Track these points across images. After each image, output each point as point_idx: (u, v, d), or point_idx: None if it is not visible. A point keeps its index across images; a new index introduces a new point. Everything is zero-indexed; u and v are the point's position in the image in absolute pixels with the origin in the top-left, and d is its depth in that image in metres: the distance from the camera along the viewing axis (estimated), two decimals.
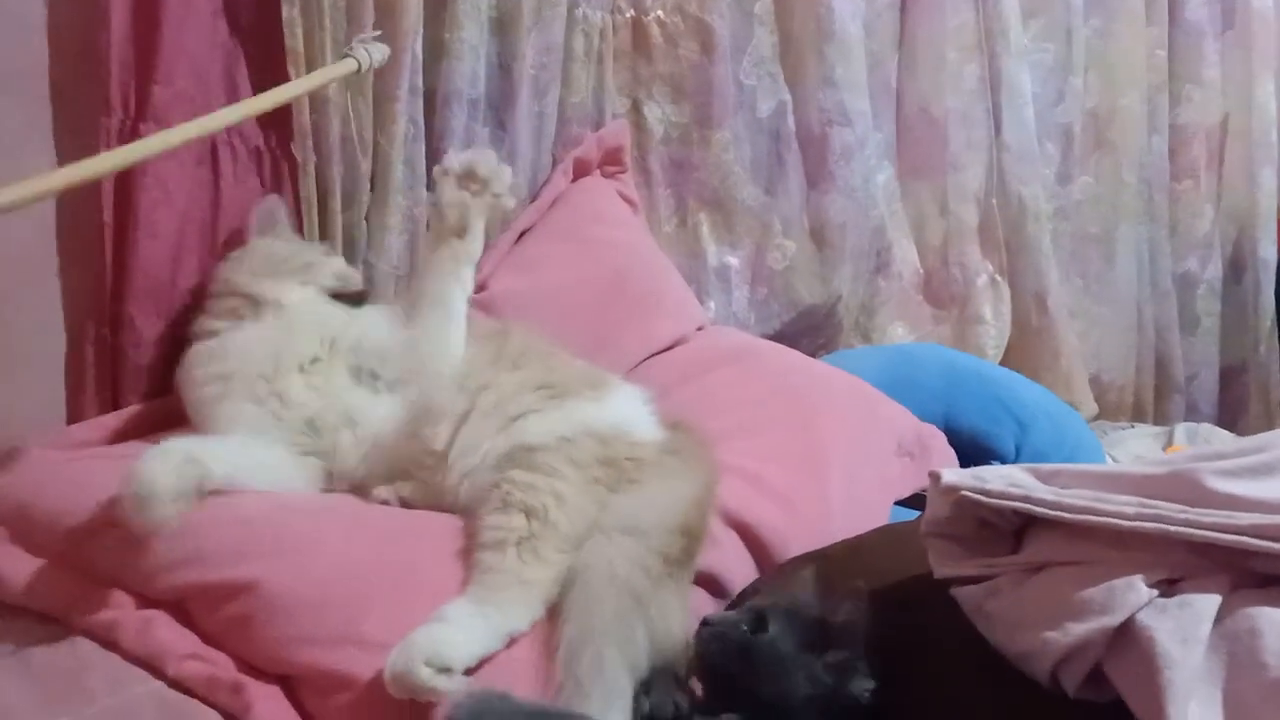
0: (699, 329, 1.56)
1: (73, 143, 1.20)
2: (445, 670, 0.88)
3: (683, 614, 0.98)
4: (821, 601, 0.89)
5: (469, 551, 1.00)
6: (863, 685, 0.85)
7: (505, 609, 0.94)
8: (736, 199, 1.73)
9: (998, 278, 1.93)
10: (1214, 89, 2.10)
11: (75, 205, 1.24)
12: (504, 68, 1.53)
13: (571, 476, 1.03)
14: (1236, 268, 2.17)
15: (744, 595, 1.04)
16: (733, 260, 1.75)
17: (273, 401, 1.11)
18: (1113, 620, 0.76)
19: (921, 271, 1.92)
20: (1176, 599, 0.77)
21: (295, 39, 1.29)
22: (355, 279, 1.28)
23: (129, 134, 1.21)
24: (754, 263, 1.76)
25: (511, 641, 0.94)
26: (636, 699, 0.89)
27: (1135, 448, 1.85)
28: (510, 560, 0.96)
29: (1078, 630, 0.77)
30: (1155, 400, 2.12)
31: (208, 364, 1.14)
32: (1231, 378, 2.18)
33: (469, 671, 0.90)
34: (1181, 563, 0.79)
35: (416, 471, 1.11)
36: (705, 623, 0.88)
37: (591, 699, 0.88)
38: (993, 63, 1.91)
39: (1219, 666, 0.74)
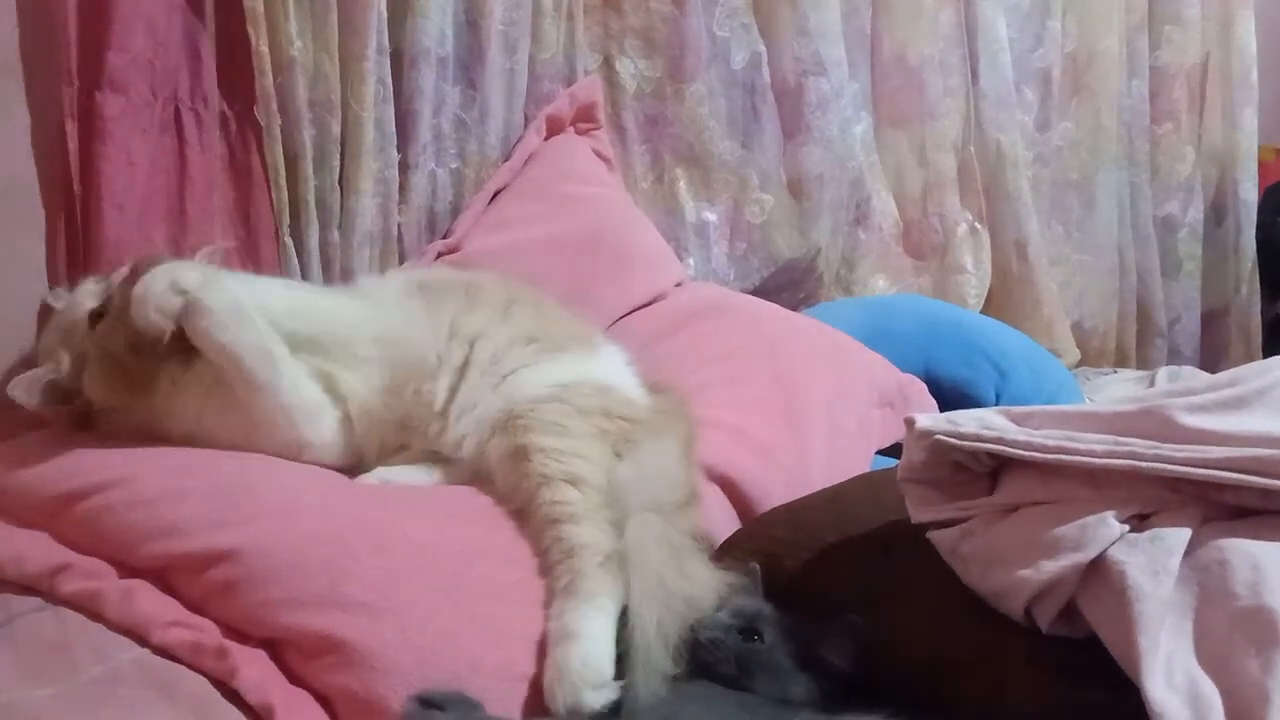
0: (677, 285, 1.56)
1: (44, 114, 1.18)
2: (603, 685, 0.88)
3: (709, 575, 0.97)
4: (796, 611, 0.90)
5: (530, 528, 0.99)
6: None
7: (612, 593, 0.93)
8: (713, 153, 1.72)
9: (977, 226, 1.92)
10: (1193, 29, 2.09)
11: (40, 175, 1.22)
12: (472, 24, 1.50)
13: (579, 430, 1.03)
14: (1218, 210, 2.17)
15: (726, 547, 1.05)
16: (710, 216, 1.73)
17: None
18: (1085, 556, 0.77)
19: (901, 222, 1.91)
20: (1148, 533, 0.78)
21: None
22: None
23: (85, 103, 1.19)
24: (732, 217, 1.75)
25: None
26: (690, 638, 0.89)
27: (1117, 393, 1.85)
28: (590, 534, 0.96)
29: (1051, 567, 0.78)
30: (1137, 345, 2.13)
31: None
32: (1213, 320, 2.19)
33: None
34: (1153, 498, 0.80)
35: (413, 439, 1.10)
36: (695, 628, 0.88)
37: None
38: (969, 8, 1.89)
39: (1189, 597, 0.75)
